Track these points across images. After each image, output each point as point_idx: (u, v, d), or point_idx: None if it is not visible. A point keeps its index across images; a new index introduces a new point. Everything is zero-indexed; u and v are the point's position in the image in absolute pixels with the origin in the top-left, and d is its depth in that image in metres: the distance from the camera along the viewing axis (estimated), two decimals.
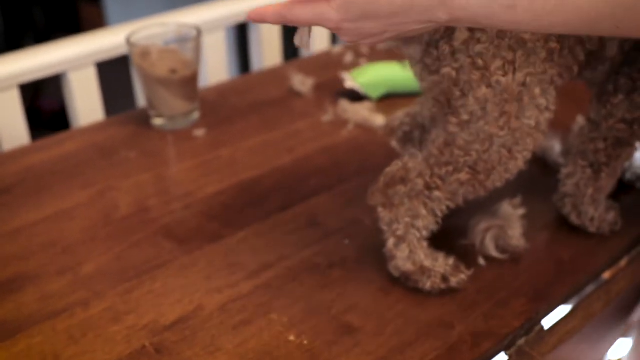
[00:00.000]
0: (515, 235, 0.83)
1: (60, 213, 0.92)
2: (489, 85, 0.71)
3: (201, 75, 1.36)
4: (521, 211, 0.85)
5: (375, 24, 0.63)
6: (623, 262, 0.87)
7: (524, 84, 0.72)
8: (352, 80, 1.17)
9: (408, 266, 0.77)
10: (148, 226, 0.89)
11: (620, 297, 0.87)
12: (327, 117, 1.12)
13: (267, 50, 1.47)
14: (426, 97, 0.88)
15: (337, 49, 1.38)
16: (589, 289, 0.83)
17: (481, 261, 0.82)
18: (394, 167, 0.78)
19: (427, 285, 0.77)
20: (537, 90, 0.73)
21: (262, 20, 0.67)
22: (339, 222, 0.89)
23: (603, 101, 0.84)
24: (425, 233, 0.78)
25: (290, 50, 1.61)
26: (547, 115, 0.75)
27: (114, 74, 1.09)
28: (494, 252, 0.83)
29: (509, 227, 0.83)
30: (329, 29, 0.65)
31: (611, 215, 0.88)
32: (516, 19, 0.59)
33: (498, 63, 0.71)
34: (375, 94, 1.17)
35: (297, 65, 1.34)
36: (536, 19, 0.58)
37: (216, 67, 1.40)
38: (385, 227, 0.79)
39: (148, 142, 1.08)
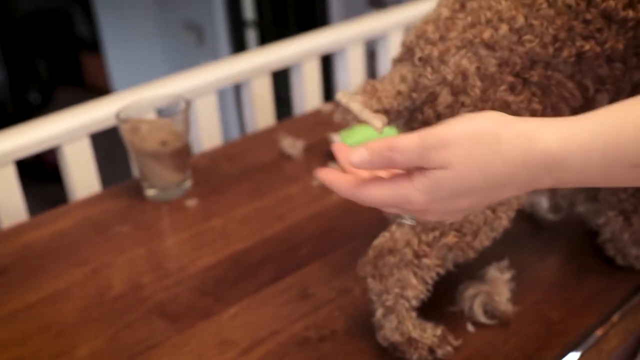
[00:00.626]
0: (503, 300, 0.83)
1: (56, 294, 0.93)
2: None
3: (194, 140, 1.39)
4: (508, 275, 0.85)
5: (468, 200, 0.56)
6: (615, 318, 0.87)
7: None
8: (341, 142, 1.18)
9: (396, 337, 0.78)
10: (141, 304, 0.90)
11: (613, 356, 0.87)
12: (317, 181, 1.13)
13: (260, 110, 1.49)
14: None
15: (327, 107, 1.40)
16: (580, 349, 0.83)
17: (470, 327, 0.83)
18: (382, 239, 0.79)
19: (414, 357, 0.78)
20: None
21: (330, 188, 0.60)
22: (330, 292, 0.90)
23: None
24: (415, 302, 0.79)
25: (282, 110, 1.63)
26: None
27: (112, 142, 1.10)
28: (482, 318, 0.83)
29: (496, 292, 0.84)
30: (411, 212, 0.58)
31: None
32: (638, 176, 0.52)
33: None
34: None
35: (288, 125, 1.36)
36: None
37: (209, 131, 1.42)
38: (374, 297, 0.80)
39: (141, 214, 1.09)
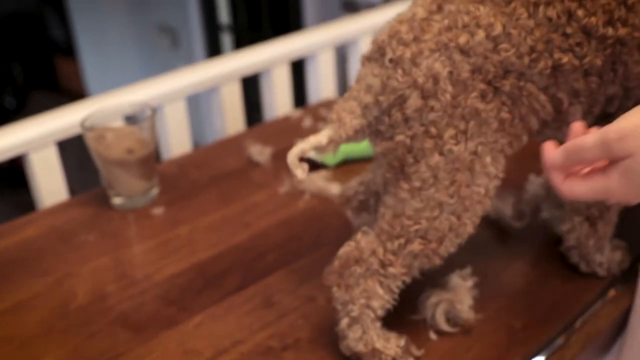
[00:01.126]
0: (465, 308, 0.84)
1: (19, 304, 0.92)
2: (441, 153, 0.73)
3: (164, 146, 1.38)
4: (470, 282, 0.86)
5: None
6: (577, 325, 0.88)
7: (475, 153, 0.73)
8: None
9: (360, 347, 0.78)
10: (105, 315, 0.90)
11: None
12: (284, 188, 1.13)
13: (230, 116, 1.49)
14: (378, 163, 0.90)
15: (297, 113, 1.40)
16: (543, 356, 0.84)
17: (432, 335, 0.83)
18: (347, 248, 0.79)
19: None
20: (488, 159, 0.74)
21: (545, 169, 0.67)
22: (294, 300, 0.90)
23: None
24: (380, 312, 0.79)
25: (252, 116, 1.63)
26: (496, 182, 0.77)
27: (84, 148, 1.10)
28: (444, 327, 0.84)
29: (458, 300, 0.84)
30: (611, 202, 0.69)
31: (617, 255, 0.91)
32: None
33: (451, 132, 0.72)
34: (331, 161, 1.18)
35: (257, 131, 1.36)
36: None
37: (179, 138, 1.41)
38: (339, 307, 0.79)
39: (107, 222, 1.09)
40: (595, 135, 0.62)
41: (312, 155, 1.16)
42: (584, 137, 0.63)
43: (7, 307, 0.92)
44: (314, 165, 1.19)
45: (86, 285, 0.95)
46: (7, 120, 4.42)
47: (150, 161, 1.11)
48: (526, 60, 0.72)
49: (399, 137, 0.74)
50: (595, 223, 0.88)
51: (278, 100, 1.55)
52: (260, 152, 1.22)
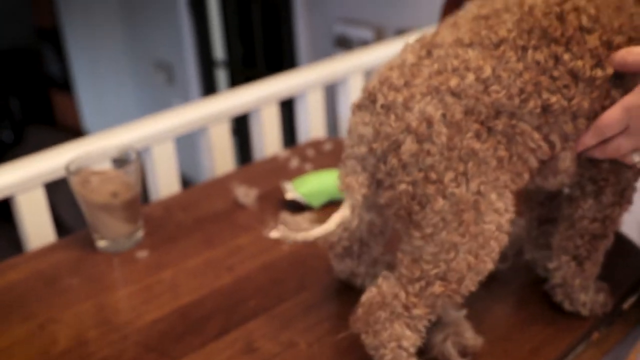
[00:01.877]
0: (471, 335, 0.84)
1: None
2: (444, 197, 0.72)
3: (152, 187, 1.39)
4: (464, 311, 0.86)
5: None
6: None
7: (478, 193, 0.73)
8: (294, 190, 1.19)
9: None
10: None
11: None
12: (268, 231, 1.13)
13: (219, 156, 1.50)
14: (364, 210, 0.90)
15: (284, 153, 1.41)
16: None
17: None
18: (370, 294, 0.79)
19: None
20: (493, 196, 0.74)
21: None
22: (276, 346, 0.90)
23: (573, 204, 0.87)
24: (412, 350, 0.79)
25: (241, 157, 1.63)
26: (508, 216, 0.77)
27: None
28: (457, 359, 0.83)
29: (463, 329, 0.84)
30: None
31: (601, 297, 0.91)
32: None
33: (450, 175, 0.72)
34: (316, 203, 1.19)
35: (245, 172, 1.36)
36: None
37: (167, 179, 1.42)
38: (372, 352, 0.80)
39: (91, 266, 1.08)
40: (618, 106, 0.73)
41: (297, 197, 1.17)
42: (612, 111, 0.74)
43: None
44: (300, 207, 1.19)
45: (68, 331, 0.95)
46: (4, 153, 4.43)
47: (135, 204, 1.11)
48: (516, 100, 0.73)
49: (401, 187, 0.74)
50: (582, 262, 0.89)
51: (267, 139, 1.56)
52: (245, 194, 1.22)
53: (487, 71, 0.73)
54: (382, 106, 0.74)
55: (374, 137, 0.74)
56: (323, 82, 1.61)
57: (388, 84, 0.74)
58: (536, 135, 0.75)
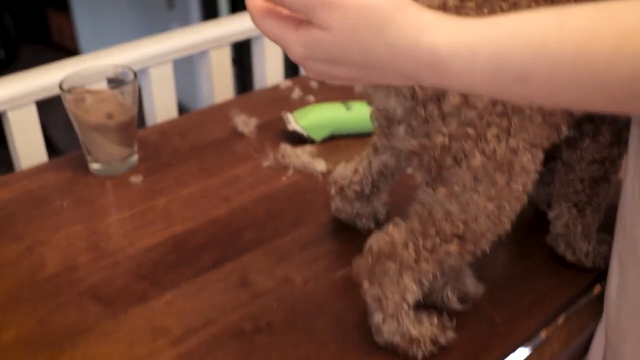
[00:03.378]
0: (471, 282, 0.82)
1: None
2: (483, 153, 0.68)
3: (149, 111, 1.34)
4: None
5: (345, 70, 0.54)
6: (559, 321, 0.85)
7: (515, 151, 0.69)
8: (295, 122, 1.15)
9: (397, 339, 0.76)
10: (74, 286, 0.87)
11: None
12: (267, 162, 1.10)
13: (218, 82, 1.45)
14: (382, 153, 0.86)
15: (286, 83, 1.36)
16: (522, 352, 0.81)
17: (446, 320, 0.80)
18: (380, 241, 0.75)
19: (419, 355, 0.76)
20: (528, 156, 0.71)
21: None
22: (270, 280, 0.87)
23: (572, 146, 0.85)
24: (412, 303, 0.76)
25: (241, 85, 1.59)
26: (534, 177, 0.73)
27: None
28: (457, 306, 0.81)
29: (463, 277, 0.82)
30: (292, 60, 0.57)
31: (604, 248, 0.89)
32: (526, 93, 0.50)
33: (493, 130, 0.68)
34: (318, 136, 1.15)
35: (245, 100, 1.32)
36: (552, 95, 0.50)
37: (164, 102, 1.37)
38: (371, 301, 0.76)
39: (83, 189, 1.05)
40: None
41: (298, 129, 1.13)
42: None
43: None
44: (301, 139, 1.15)
45: (57, 254, 0.92)
46: None
47: (131, 127, 1.07)
48: None
49: (438, 138, 0.69)
50: (583, 208, 0.87)
51: (269, 68, 1.51)
52: (245, 123, 1.19)
53: None
54: None
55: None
56: None
57: None
58: None
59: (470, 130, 0.67)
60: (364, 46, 0.52)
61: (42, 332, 0.80)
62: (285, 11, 0.55)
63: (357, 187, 0.91)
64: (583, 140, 0.84)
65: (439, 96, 0.67)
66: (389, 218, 0.95)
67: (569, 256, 0.90)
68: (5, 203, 1.02)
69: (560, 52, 0.48)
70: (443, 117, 0.68)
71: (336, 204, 0.95)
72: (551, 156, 0.93)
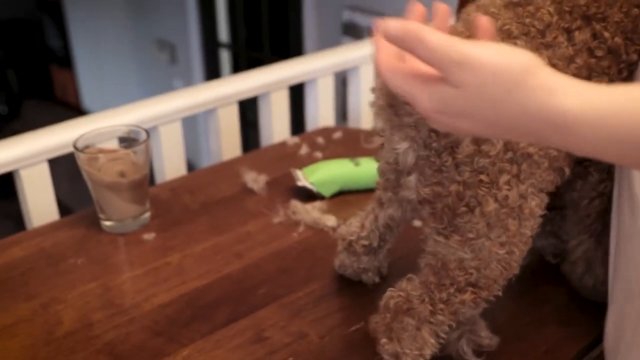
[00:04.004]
0: (486, 334, 0.83)
1: (2, 329, 0.90)
2: (496, 200, 0.70)
3: (158, 168, 1.36)
4: (479, 309, 0.84)
5: (472, 125, 0.56)
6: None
7: (523, 197, 0.71)
8: (304, 178, 1.17)
9: None
10: (91, 344, 0.87)
11: None
12: (278, 218, 1.11)
13: (226, 139, 1.48)
14: (389, 207, 0.88)
15: (293, 139, 1.39)
16: None
17: None
18: (396, 298, 0.76)
19: None
20: (535, 200, 0.72)
21: (375, 50, 0.59)
22: (286, 336, 0.88)
23: (569, 189, 0.87)
24: (429, 357, 0.77)
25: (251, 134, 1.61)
26: (539, 221, 0.75)
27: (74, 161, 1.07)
28: (472, 358, 0.82)
29: (478, 328, 0.83)
30: (420, 112, 0.58)
31: None
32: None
33: (505, 177, 0.69)
34: (327, 192, 1.16)
35: (253, 157, 1.34)
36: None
37: (174, 160, 1.40)
38: (387, 357, 0.77)
39: (97, 246, 1.06)
40: (441, 39, 0.53)
41: (308, 185, 1.15)
42: (431, 32, 0.54)
43: None
44: (311, 195, 1.17)
45: (72, 312, 0.93)
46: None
47: (143, 185, 1.08)
48: None
49: (452, 186, 0.70)
50: (599, 237, 0.89)
51: (275, 124, 1.53)
52: (254, 180, 1.20)
53: (544, 62, 0.69)
54: None
55: (430, 133, 0.71)
56: (335, 69, 1.59)
57: None
58: None
59: (484, 177, 0.69)
60: (494, 104, 0.53)
61: None
62: (414, 65, 0.57)
63: (366, 242, 0.92)
64: (576, 182, 0.86)
65: (452, 145, 0.69)
66: (390, 271, 0.97)
67: (587, 279, 0.91)
68: (19, 261, 1.03)
69: None
70: (457, 165, 0.70)
71: (341, 260, 0.96)
72: (550, 207, 0.95)
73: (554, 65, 0.69)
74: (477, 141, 0.69)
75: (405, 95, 0.57)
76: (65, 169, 1.12)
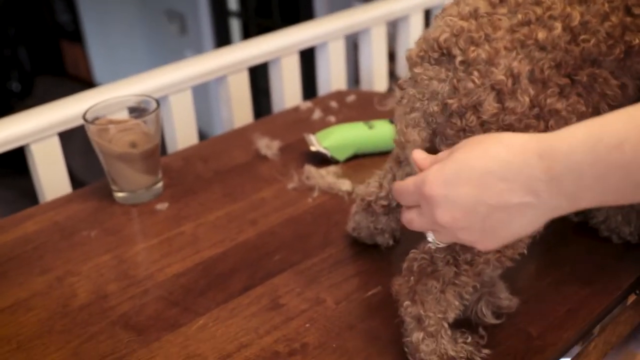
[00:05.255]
0: (505, 296, 0.82)
1: (17, 303, 0.90)
2: None
3: (169, 138, 1.35)
4: (499, 270, 0.82)
5: (468, 188, 0.58)
6: (595, 331, 0.85)
7: None
8: (318, 143, 1.15)
9: (434, 359, 0.75)
10: (106, 315, 0.87)
11: None
12: (292, 184, 1.10)
13: (238, 107, 1.46)
14: (407, 165, 0.86)
15: (306, 104, 1.37)
16: None
17: (482, 332, 0.79)
18: (420, 260, 0.75)
19: None
20: None
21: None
22: (302, 302, 0.87)
23: None
24: (452, 320, 0.76)
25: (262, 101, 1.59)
26: None
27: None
28: (491, 319, 0.81)
29: (497, 290, 0.81)
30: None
31: None
32: (624, 161, 0.51)
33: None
34: (342, 156, 1.15)
35: (265, 123, 1.32)
36: None
37: (185, 129, 1.38)
38: (410, 320, 0.76)
39: (110, 218, 1.05)
40: (412, 180, 0.63)
41: (321, 150, 1.13)
42: (407, 182, 0.64)
43: (5, 306, 0.89)
44: (325, 160, 1.15)
45: (87, 284, 0.92)
46: (13, 104, 4.40)
47: (155, 155, 1.07)
48: (603, 47, 0.67)
49: None
50: None
51: (287, 90, 1.51)
52: (267, 146, 1.19)
53: (576, 18, 0.66)
54: (462, 62, 0.68)
55: (449, 93, 0.69)
56: (345, 32, 1.56)
57: (465, 37, 0.68)
58: (613, 81, 0.70)
59: None
60: (484, 151, 0.59)
61: None
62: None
63: (385, 202, 0.91)
64: None
65: (475, 105, 0.67)
66: (403, 234, 0.96)
67: (615, 239, 0.92)
68: (32, 235, 1.03)
69: None
70: (482, 124, 0.68)
71: (357, 221, 0.95)
72: None
73: (585, 22, 0.67)
74: (501, 99, 0.67)
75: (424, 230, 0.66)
76: (79, 145, 1.11)
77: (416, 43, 0.74)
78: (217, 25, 3.58)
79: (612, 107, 0.73)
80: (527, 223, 0.58)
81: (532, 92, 0.67)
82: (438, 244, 0.67)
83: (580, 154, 0.53)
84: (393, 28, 1.76)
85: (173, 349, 0.81)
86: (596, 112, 0.72)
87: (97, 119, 1.06)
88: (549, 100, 0.67)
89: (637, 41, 0.68)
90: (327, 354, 0.79)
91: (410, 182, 0.63)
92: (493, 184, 0.56)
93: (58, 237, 1.02)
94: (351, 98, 1.38)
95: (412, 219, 0.65)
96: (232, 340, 0.82)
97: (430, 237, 0.66)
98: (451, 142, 0.70)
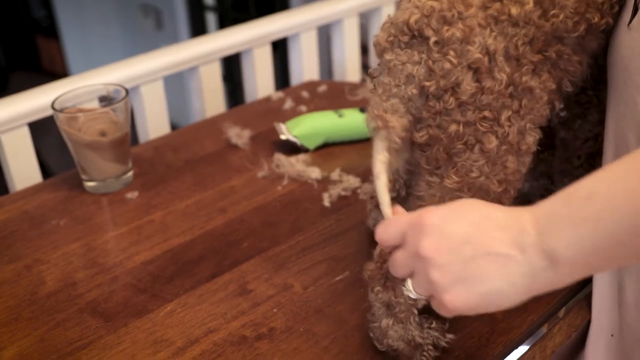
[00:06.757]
0: None
1: None
2: (497, 137, 0.68)
3: (141, 129, 1.35)
4: None
5: (463, 227, 0.56)
6: (559, 314, 0.86)
7: (522, 133, 0.70)
8: (288, 131, 1.15)
9: (401, 345, 0.75)
10: (74, 302, 0.87)
11: (557, 353, 0.86)
12: (262, 173, 1.10)
13: (210, 97, 1.46)
14: (403, 151, 0.86)
15: (277, 94, 1.37)
16: (524, 346, 0.82)
17: None
18: None
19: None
20: (531, 137, 0.71)
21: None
22: (269, 288, 0.87)
23: (566, 127, 0.86)
24: (421, 306, 0.75)
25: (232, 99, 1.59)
26: (531, 157, 0.74)
27: None
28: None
29: None
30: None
31: None
32: (596, 212, 0.50)
33: (507, 113, 0.68)
34: (311, 145, 1.15)
35: (237, 113, 1.33)
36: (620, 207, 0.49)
37: (156, 119, 1.38)
38: (379, 305, 0.76)
39: (79, 207, 1.05)
40: (407, 214, 0.61)
41: (291, 138, 1.13)
42: (399, 216, 0.62)
43: None
44: (295, 149, 1.16)
45: (55, 272, 0.92)
46: None
47: (124, 144, 1.07)
48: (569, 23, 0.68)
49: (452, 127, 0.68)
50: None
51: (260, 81, 1.52)
52: (238, 135, 1.19)
53: None
54: (436, 43, 0.67)
55: (426, 75, 0.68)
56: (317, 23, 1.57)
57: (437, 17, 0.67)
58: (574, 57, 0.71)
59: (487, 114, 0.67)
60: (474, 205, 0.58)
61: (44, 349, 0.80)
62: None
63: (394, 194, 0.90)
64: (574, 121, 0.85)
65: (453, 87, 0.67)
66: None
67: None
68: (2, 224, 1.02)
69: None
70: (460, 105, 0.67)
71: (374, 218, 0.94)
72: (542, 147, 0.94)
73: None
74: (479, 78, 0.66)
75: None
76: (55, 140, 1.11)
77: (382, 28, 0.73)
78: (193, 19, 3.57)
79: (573, 83, 0.74)
80: (506, 282, 0.54)
81: (507, 69, 0.67)
82: (413, 293, 0.62)
83: (559, 208, 0.53)
84: (366, 20, 1.77)
85: (141, 334, 0.81)
86: (559, 88, 0.73)
87: (66, 107, 1.05)
88: (524, 78, 0.68)
89: (595, 19, 0.70)
90: (294, 337, 0.80)
91: (404, 216, 0.61)
92: (490, 229, 0.55)
93: (27, 226, 1.02)
94: (322, 88, 1.39)
95: (395, 259, 0.61)
96: (200, 325, 0.82)
97: (408, 284, 0.62)
98: (422, 126, 0.70)
